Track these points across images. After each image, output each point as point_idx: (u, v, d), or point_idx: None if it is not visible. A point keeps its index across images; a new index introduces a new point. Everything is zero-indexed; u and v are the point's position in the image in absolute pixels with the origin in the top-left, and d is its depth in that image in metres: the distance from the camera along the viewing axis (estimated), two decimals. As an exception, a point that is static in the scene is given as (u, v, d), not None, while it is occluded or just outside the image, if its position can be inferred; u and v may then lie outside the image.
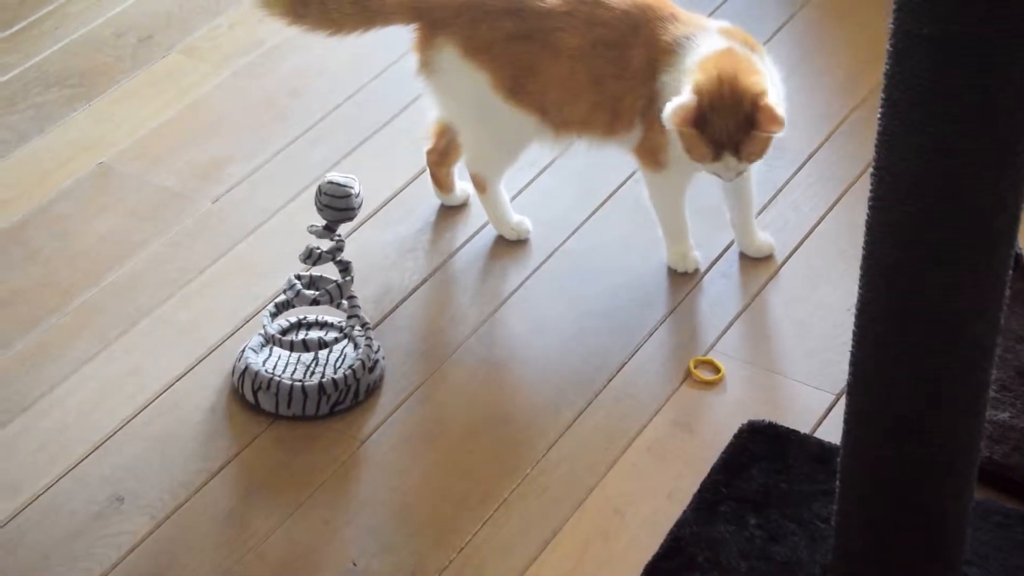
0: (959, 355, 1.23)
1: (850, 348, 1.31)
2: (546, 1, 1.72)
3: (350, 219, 1.67)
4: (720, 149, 1.67)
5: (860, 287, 1.26)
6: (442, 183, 1.93)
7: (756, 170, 1.81)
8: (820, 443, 1.59)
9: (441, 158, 1.90)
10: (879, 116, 1.20)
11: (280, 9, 1.75)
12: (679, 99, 1.64)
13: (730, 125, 1.65)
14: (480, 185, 1.87)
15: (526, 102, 1.75)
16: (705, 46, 1.70)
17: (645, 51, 1.72)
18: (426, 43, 1.72)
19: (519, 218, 1.90)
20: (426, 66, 1.75)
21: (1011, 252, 1.20)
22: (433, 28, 1.72)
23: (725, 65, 1.66)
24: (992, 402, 1.59)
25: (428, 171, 1.93)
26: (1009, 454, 1.55)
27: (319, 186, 1.66)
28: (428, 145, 1.91)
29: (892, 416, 1.27)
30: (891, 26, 1.15)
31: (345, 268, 1.70)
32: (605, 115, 1.75)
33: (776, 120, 1.64)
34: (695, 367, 1.74)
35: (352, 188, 1.65)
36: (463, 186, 1.94)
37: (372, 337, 1.73)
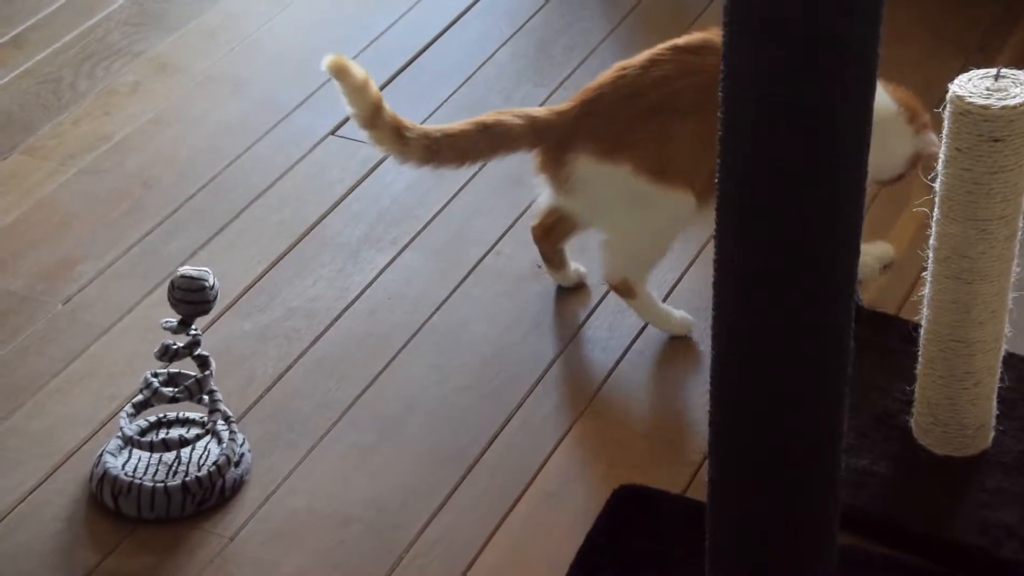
0: (810, 406, 1.25)
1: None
2: (661, 68, 1.62)
3: (206, 312, 1.63)
4: None
5: (712, 344, 1.27)
6: (551, 260, 1.85)
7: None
8: (691, 502, 1.59)
9: (545, 233, 1.83)
10: (716, 181, 1.21)
11: (419, 157, 1.69)
12: None
13: None
14: (629, 291, 1.77)
15: (673, 177, 1.64)
16: None
17: None
18: (556, 164, 1.64)
19: (681, 313, 1.80)
20: (562, 186, 1.65)
21: (851, 304, 1.22)
22: (559, 148, 1.64)
23: None
24: (852, 450, 1.62)
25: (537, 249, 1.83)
26: (870, 499, 1.57)
27: (171, 280, 1.62)
28: (534, 221, 1.84)
29: (750, 470, 1.28)
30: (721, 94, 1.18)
31: (204, 362, 1.66)
32: None
33: None
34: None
35: (206, 280, 1.61)
36: (576, 266, 1.87)
37: (236, 430, 1.69)
